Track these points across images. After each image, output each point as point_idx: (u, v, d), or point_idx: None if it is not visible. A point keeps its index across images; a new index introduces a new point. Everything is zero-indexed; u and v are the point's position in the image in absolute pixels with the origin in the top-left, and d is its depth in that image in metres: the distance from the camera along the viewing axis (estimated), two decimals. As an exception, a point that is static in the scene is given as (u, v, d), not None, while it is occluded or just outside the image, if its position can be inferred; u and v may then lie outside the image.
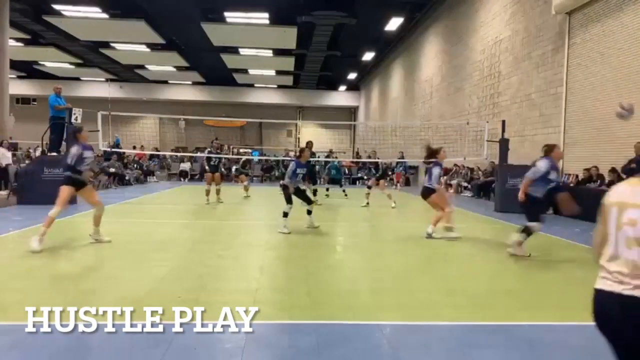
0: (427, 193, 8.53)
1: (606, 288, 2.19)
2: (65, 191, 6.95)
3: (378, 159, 15.80)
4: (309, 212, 8.98)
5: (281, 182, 15.28)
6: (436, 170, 8.42)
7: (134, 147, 28.72)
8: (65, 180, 7.10)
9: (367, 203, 13.32)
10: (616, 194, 2.18)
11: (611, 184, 10.52)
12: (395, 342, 3.59)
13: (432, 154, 8.70)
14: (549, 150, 6.97)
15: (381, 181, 13.84)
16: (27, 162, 15.79)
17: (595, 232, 2.34)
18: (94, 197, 7.40)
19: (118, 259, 6.23)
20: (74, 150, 7.09)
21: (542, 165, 6.70)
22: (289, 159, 23.77)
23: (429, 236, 8.23)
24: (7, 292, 4.65)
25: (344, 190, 15.73)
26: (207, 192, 13.19)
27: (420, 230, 9.42)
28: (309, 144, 11.22)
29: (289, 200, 8.62)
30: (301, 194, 8.93)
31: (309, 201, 9.00)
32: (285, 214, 8.59)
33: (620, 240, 2.11)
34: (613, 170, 10.27)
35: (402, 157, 22.52)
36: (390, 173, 20.59)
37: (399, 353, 3.40)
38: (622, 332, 2.06)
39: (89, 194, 7.28)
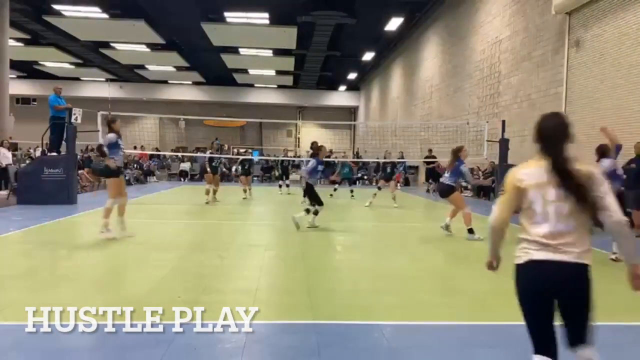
0: (448, 190, 8.77)
1: (551, 258, 2.38)
2: (113, 183, 7.53)
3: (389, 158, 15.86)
4: (316, 213, 9.04)
5: (280, 182, 15.01)
6: (464, 168, 8.74)
7: (135, 147, 28.73)
8: (107, 172, 7.58)
9: (371, 202, 13.38)
10: (527, 176, 2.38)
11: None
12: (395, 342, 3.59)
13: (455, 152, 8.87)
14: (457, 151, 8.61)
15: (392, 182, 13.82)
16: (27, 162, 15.78)
17: (499, 209, 2.49)
18: (123, 187, 7.76)
19: (118, 259, 6.23)
20: (111, 136, 7.49)
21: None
22: (288, 158, 23.80)
23: (447, 227, 8.60)
24: (7, 292, 4.65)
25: (351, 190, 15.99)
26: (207, 192, 13.37)
27: (420, 230, 9.41)
28: (318, 145, 11.11)
29: (320, 202, 8.94)
30: (313, 193, 9.04)
31: (319, 202, 9.03)
32: (316, 212, 8.93)
33: (552, 216, 2.35)
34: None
35: (402, 157, 22.54)
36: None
37: (399, 353, 3.41)
38: (558, 294, 2.44)
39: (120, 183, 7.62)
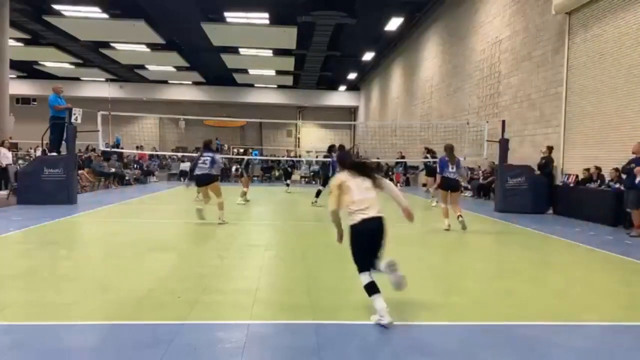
0: (459, 185, 9.61)
1: (369, 216, 4.06)
2: (217, 186, 9.72)
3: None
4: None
5: (288, 181, 15.44)
6: (462, 168, 9.60)
7: (137, 148, 28.76)
8: (216, 178, 9.79)
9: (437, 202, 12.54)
10: (345, 179, 4.20)
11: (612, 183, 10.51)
12: (395, 342, 3.59)
13: (452, 149, 9.55)
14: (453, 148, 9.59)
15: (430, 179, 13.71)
16: (24, 162, 15.77)
17: (331, 200, 4.19)
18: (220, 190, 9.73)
19: (118, 259, 6.23)
20: (217, 157, 9.73)
21: None
22: (288, 158, 23.81)
23: (462, 224, 9.01)
24: (7, 292, 4.65)
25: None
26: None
27: (419, 230, 9.42)
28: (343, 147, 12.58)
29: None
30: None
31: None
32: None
33: (365, 198, 4.10)
34: (616, 170, 10.27)
35: (401, 157, 22.54)
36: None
37: (399, 353, 3.41)
38: (376, 235, 4.14)
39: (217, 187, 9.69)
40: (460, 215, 8.99)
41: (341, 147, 12.11)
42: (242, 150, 23.61)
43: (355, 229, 4.06)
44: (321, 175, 12.90)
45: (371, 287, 4.04)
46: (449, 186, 9.32)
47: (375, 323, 3.88)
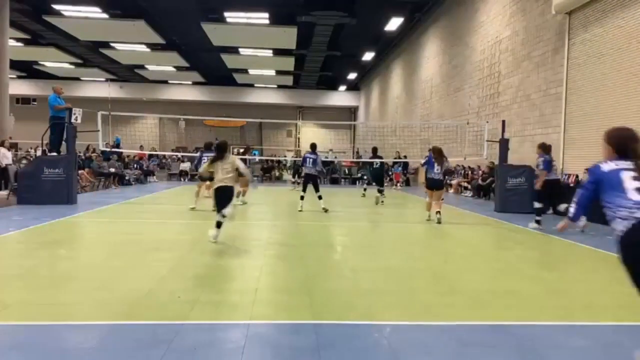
0: (442, 184, 10.71)
1: (219, 185, 7.07)
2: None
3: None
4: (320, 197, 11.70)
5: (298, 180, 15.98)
6: (447, 164, 10.57)
7: (140, 147, 28.77)
8: None
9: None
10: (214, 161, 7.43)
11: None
12: (395, 342, 3.59)
13: (441, 152, 10.50)
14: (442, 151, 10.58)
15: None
16: (24, 162, 15.77)
17: (205, 168, 7.35)
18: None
19: (118, 259, 6.23)
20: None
21: None
22: (288, 158, 23.81)
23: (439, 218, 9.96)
24: (7, 292, 4.65)
25: (380, 193, 14.61)
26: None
27: (419, 230, 9.41)
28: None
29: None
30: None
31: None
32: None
33: (222, 176, 7.17)
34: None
35: (399, 157, 22.54)
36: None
37: (399, 353, 3.41)
38: (221, 195, 7.31)
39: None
40: (439, 212, 10.02)
41: (313, 145, 12.47)
42: (242, 150, 23.56)
43: (215, 189, 7.40)
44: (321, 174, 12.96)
45: (218, 225, 7.18)
46: (434, 185, 10.37)
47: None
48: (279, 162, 29.11)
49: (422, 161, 11.11)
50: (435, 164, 10.26)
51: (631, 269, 2.92)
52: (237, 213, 8.54)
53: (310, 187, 11.81)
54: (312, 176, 11.85)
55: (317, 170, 11.95)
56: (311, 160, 11.73)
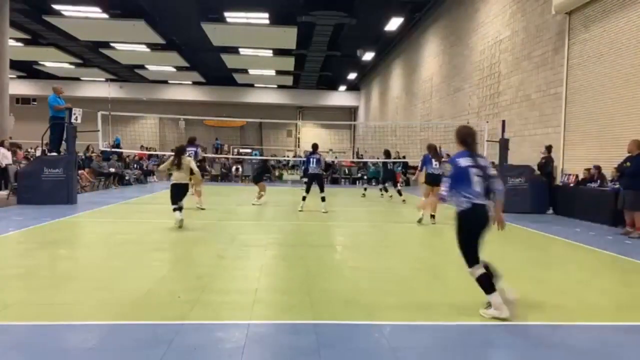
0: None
1: (175, 181, 8.86)
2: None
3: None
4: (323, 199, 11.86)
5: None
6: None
7: (142, 147, 28.76)
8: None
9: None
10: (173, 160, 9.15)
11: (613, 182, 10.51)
12: (395, 342, 3.59)
13: (436, 149, 10.81)
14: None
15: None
16: (23, 163, 15.76)
17: (165, 166, 8.98)
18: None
19: (118, 259, 6.23)
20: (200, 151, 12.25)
21: None
22: (288, 158, 23.81)
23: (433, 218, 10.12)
24: (7, 292, 4.65)
25: (386, 190, 16.46)
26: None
27: (419, 230, 9.42)
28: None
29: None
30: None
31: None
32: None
33: (177, 174, 8.91)
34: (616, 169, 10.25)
35: (398, 157, 22.54)
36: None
37: (398, 353, 3.40)
38: (177, 189, 8.93)
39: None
40: (433, 216, 10.10)
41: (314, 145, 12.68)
42: (249, 151, 23.49)
43: (172, 185, 8.83)
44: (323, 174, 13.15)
45: (178, 209, 8.59)
46: (436, 180, 9.99)
47: None
48: (278, 161, 29.10)
49: (419, 165, 11.24)
50: (433, 160, 10.40)
51: (462, 232, 4.20)
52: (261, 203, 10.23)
53: (313, 188, 11.93)
54: (318, 175, 12.04)
55: (321, 169, 12.26)
56: (315, 160, 11.96)
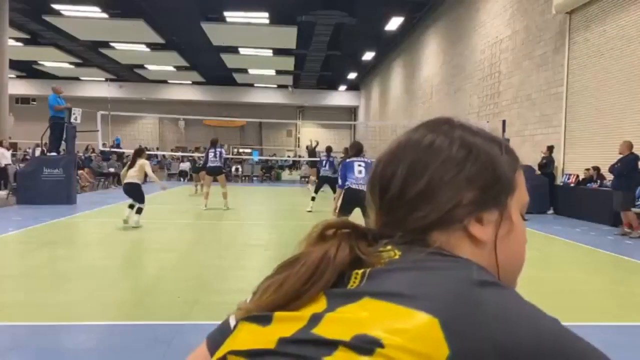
0: None
1: (126, 181, 8.51)
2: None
3: None
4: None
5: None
6: None
7: (146, 149, 28.72)
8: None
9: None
10: (143, 162, 8.86)
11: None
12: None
13: None
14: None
15: None
16: (21, 164, 15.75)
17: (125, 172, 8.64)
18: None
19: (118, 259, 6.22)
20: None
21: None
22: (287, 159, 23.82)
23: None
24: (7, 292, 4.64)
25: None
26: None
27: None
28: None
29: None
30: None
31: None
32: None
33: (130, 173, 8.65)
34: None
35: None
36: None
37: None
38: (128, 190, 8.65)
39: None
40: None
41: (328, 148, 13.01)
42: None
43: (124, 184, 8.63)
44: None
45: (130, 207, 8.46)
46: None
47: None
48: (275, 162, 29.11)
49: None
50: None
51: (343, 204, 6.10)
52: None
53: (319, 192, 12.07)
54: (330, 179, 11.77)
55: (333, 173, 11.84)
56: (328, 162, 12.00)
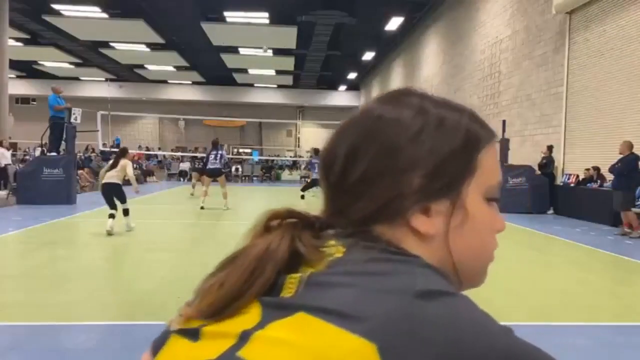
0: None
1: (106, 181, 8.03)
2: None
3: None
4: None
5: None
6: None
7: (146, 149, 28.77)
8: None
9: None
10: (126, 163, 8.37)
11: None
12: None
13: None
14: None
15: None
16: (21, 164, 15.76)
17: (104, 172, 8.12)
18: None
19: (117, 259, 6.22)
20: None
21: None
22: (288, 159, 23.82)
23: None
24: (7, 292, 4.64)
25: None
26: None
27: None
28: None
29: None
30: None
31: None
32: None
33: (110, 174, 8.13)
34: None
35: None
36: None
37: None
38: (110, 191, 7.87)
39: None
40: None
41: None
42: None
43: (102, 184, 8.13)
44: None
45: (112, 217, 7.72)
46: None
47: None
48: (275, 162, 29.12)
49: None
50: None
51: None
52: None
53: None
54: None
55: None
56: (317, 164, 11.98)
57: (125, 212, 8.20)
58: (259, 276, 0.52)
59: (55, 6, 20.07)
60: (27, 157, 20.85)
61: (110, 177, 8.13)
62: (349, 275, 0.49)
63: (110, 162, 8.59)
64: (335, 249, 0.52)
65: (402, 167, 0.52)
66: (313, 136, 39.84)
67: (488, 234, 0.56)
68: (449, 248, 0.54)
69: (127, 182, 8.65)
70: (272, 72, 33.00)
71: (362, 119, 0.56)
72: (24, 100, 37.60)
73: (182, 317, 0.57)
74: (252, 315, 0.50)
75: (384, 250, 0.51)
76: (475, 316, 0.47)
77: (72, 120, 12.45)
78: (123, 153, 8.58)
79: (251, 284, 0.52)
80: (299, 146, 39.80)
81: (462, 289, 0.58)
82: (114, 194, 8.05)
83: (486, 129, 0.59)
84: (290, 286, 0.50)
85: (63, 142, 12.81)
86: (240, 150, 36.55)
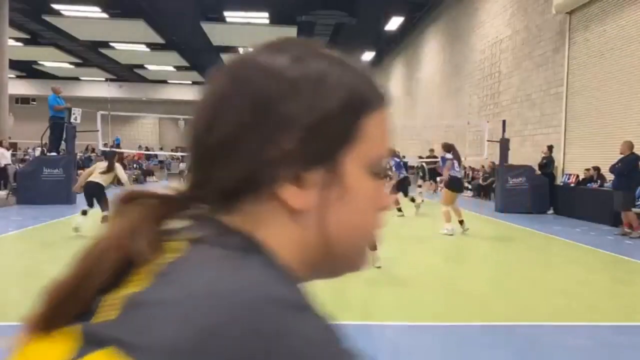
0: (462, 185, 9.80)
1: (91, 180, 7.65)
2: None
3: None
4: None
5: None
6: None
7: (146, 149, 28.76)
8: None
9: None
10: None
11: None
12: (395, 342, 3.57)
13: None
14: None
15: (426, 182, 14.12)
16: (21, 164, 15.76)
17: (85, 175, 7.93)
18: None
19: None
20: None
21: None
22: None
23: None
24: (7, 292, 4.64)
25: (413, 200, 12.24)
26: None
27: (419, 230, 9.40)
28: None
29: None
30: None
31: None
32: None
33: (95, 173, 7.77)
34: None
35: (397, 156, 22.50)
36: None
37: (399, 353, 3.39)
38: (92, 191, 7.50)
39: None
40: (463, 221, 8.72)
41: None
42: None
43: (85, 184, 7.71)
44: None
45: (83, 214, 7.60)
46: (460, 187, 9.01)
47: None
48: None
49: (443, 164, 8.99)
50: (455, 162, 8.80)
51: None
52: None
53: None
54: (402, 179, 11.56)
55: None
56: (395, 164, 11.50)
57: (104, 219, 7.30)
58: (94, 278, 0.46)
59: (55, 6, 20.07)
60: (27, 157, 20.86)
61: (97, 177, 7.67)
62: (175, 295, 0.40)
63: (106, 165, 7.88)
64: (177, 246, 0.44)
65: (271, 126, 0.43)
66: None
67: (370, 212, 0.49)
68: (324, 226, 0.47)
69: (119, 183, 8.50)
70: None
71: (235, 65, 0.48)
72: (24, 100, 37.60)
73: (26, 323, 0.48)
74: (72, 341, 0.42)
75: (226, 246, 0.43)
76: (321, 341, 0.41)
77: (72, 120, 12.45)
78: (115, 156, 8.18)
79: (83, 290, 0.46)
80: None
81: (338, 274, 0.54)
82: (94, 194, 7.59)
83: (376, 92, 0.49)
84: (111, 308, 0.42)
85: (63, 142, 12.81)
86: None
